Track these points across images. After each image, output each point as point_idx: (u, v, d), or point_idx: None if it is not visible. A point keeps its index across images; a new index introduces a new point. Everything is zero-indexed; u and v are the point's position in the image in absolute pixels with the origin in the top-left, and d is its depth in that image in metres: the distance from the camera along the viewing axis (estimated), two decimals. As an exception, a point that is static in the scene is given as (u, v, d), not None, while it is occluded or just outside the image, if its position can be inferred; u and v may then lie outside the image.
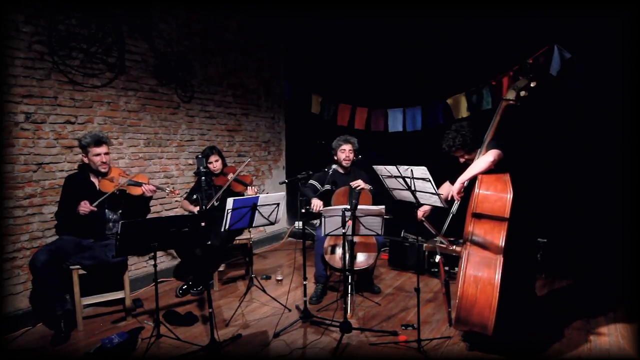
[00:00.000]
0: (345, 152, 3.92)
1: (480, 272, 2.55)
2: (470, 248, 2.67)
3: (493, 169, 2.72)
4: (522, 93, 2.89)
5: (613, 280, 3.69)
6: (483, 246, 2.64)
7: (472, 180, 2.78)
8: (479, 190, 2.65)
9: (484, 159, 2.74)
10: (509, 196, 2.56)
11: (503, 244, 2.57)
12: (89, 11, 3.61)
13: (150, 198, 3.41)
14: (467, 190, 2.82)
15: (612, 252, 3.72)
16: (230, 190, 3.97)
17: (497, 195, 2.60)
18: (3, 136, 3.13)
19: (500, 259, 2.54)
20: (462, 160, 3.02)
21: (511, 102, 2.91)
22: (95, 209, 3.16)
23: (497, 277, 2.49)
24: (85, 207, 3.12)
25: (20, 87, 3.22)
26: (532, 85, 2.87)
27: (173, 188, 3.50)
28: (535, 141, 4.08)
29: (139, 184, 3.29)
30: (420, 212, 3.04)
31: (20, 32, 3.20)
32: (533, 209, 3.06)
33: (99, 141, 3.22)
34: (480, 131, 2.96)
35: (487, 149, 2.82)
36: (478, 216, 2.67)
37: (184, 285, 3.87)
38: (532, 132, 4.07)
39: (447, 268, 3.49)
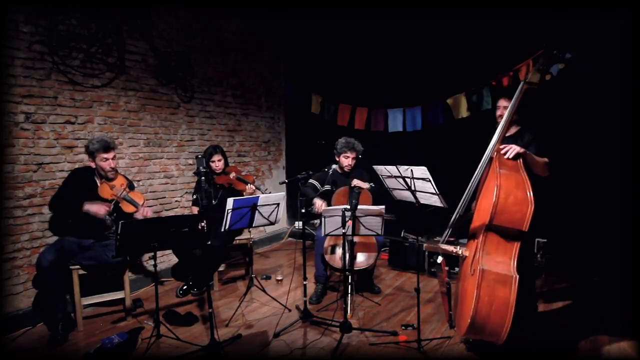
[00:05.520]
0: (348, 160, 3.87)
1: (496, 290, 2.38)
2: (483, 259, 2.48)
3: (514, 173, 2.51)
4: (547, 77, 2.67)
5: (613, 280, 3.69)
6: (496, 258, 2.49)
7: (481, 180, 2.65)
8: (497, 200, 2.43)
9: (544, 161, 2.62)
10: (530, 208, 2.37)
11: (516, 255, 2.45)
12: (89, 11, 3.61)
13: None
14: (476, 190, 2.72)
15: (613, 251, 3.72)
16: (233, 189, 3.98)
17: (517, 207, 2.41)
18: (3, 136, 3.13)
19: (515, 276, 2.38)
20: (498, 113, 2.83)
21: (533, 85, 2.67)
22: (109, 208, 3.17)
23: (513, 296, 2.34)
24: (100, 209, 3.15)
25: (20, 87, 3.22)
26: (560, 67, 2.66)
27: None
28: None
29: (134, 204, 3.25)
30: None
31: (20, 32, 3.20)
32: (541, 213, 3.01)
33: (107, 147, 3.20)
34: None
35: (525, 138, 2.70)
36: (493, 227, 2.49)
37: (184, 286, 3.87)
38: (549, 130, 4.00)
39: (446, 268, 3.48)
